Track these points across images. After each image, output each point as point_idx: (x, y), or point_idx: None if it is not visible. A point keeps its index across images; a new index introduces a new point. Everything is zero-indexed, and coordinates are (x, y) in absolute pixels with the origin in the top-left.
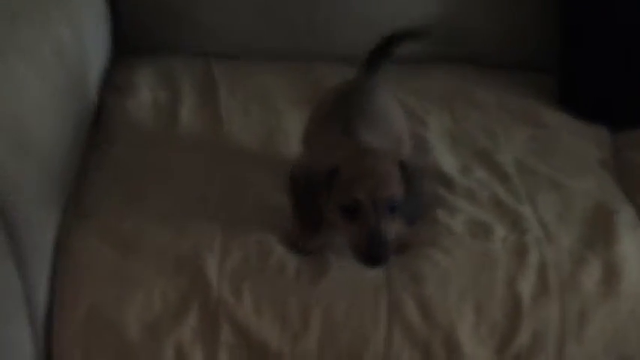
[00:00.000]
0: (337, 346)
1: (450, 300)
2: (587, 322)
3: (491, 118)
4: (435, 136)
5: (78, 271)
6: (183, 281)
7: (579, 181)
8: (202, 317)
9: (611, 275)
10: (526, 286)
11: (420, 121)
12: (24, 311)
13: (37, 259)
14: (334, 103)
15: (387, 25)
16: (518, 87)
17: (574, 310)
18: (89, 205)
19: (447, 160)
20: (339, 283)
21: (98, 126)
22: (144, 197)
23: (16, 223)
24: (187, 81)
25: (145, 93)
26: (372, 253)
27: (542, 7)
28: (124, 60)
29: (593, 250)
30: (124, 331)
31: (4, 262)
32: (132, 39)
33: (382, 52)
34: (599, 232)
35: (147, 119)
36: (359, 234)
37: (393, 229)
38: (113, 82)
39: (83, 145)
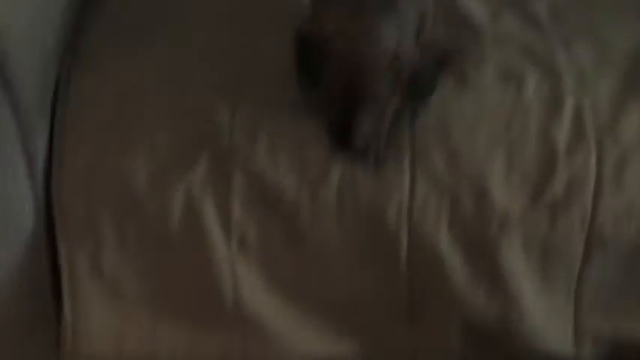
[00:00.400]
0: (357, 198)
1: (479, 149)
2: (627, 171)
3: None
4: None
5: (78, 119)
6: (190, 127)
7: (618, 30)
8: (213, 164)
9: None
10: (561, 134)
11: None
12: (22, 161)
13: (34, 106)
14: None
15: None
16: None
17: (612, 156)
18: (89, 53)
19: (476, 7)
20: None
21: None
22: (147, 46)
23: (10, 66)
24: None
25: None
26: (343, 139)
27: None
28: None
29: (632, 97)
30: (129, 180)
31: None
32: None
33: None
34: (638, 79)
35: None
36: (333, 112)
37: (372, 120)
38: None
39: None
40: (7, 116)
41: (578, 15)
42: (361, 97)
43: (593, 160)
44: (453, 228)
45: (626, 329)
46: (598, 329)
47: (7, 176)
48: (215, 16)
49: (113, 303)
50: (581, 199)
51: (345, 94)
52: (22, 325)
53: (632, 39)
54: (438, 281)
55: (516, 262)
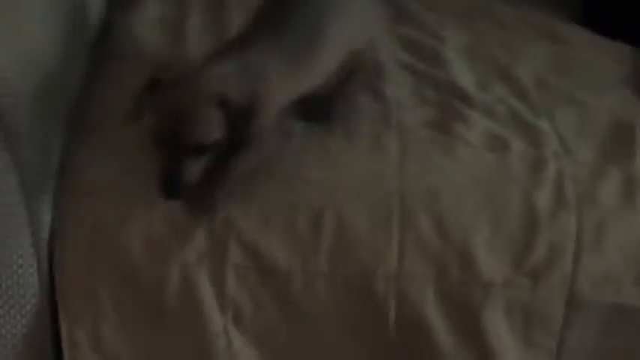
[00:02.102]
0: (348, 265)
1: (465, 214)
2: (605, 235)
3: (510, 33)
4: (452, 50)
5: (80, 188)
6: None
7: (599, 97)
8: (209, 236)
9: (630, 188)
10: (543, 200)
11: (435, 36)
12: (27, 232)
13: (40, 175)
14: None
15: None
16: (538, 2)
17: (591, 222)
18: (92, 121)
19: (464, 75)
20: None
21: (103, 41)
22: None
23: (18, 135)
24: None
25: (152, 8)
26: (165, 187)
27: None
28: None
29: (612, 164)
30: (126, 253)
31: (5, 176)
32: None
33: None
34: (618, 146)
35: (153, 35)
36: (159, 165)
37: (198, 168)
38: None
39: (86, 60)
40: (13, 184)
41: (562, 82)
42: (185, 145)
43: (573, 225)
44: (439, 294)
45: None
46: None
47: (12, 247)
48: None
49: None
50: (561, 264)
51: (170, 142)
52: None
53: (613, 106)
54: (425, 346)
55: (499, 326)
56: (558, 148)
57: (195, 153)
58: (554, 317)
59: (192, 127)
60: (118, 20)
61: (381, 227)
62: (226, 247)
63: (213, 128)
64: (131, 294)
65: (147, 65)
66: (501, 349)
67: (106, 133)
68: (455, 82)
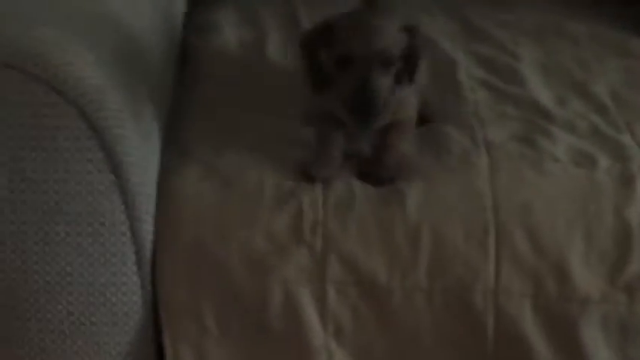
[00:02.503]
0: (446, 280)
1: (559, 229)
2: None
3: (584, 50)
4: (527, 67)
5: (179, 208)
6: (286, 217)
7: None
8: (308, 253)
9: None
10: (635, 214)
11: (510, 53)
12: (131, 250)
13: (141, 195)
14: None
15: None
16: (608, 18)
17: None
18: (186, 142)
19: (542, 92)
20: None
21: (185, 65)
22: (240, 133)
23: (121, 156)
24: (270, 18)
25: (229, 31)
26: (360, 100)
27: None
28: (202, 1)
29: None
30: (229, 269)
31: (110, 197)
32: None
33: None
34: None
35: (234, 57)
36: (349, 83)
37: (386, 83)
38: (195, 22)
39: (172, 84)
40: (117, 204)
41: (638, 97)
42: (374, 56)
43: None
44: (537, 309)
45: None
46: None
47: (117, 265)
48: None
49: None
50: None
51: (357, 60)
52: None
53: None
54: None
55: (597, 341)
56: None
57: (382, 66)
58: None
59: (381, 39)
60: (196, 44)
61: (477, 242)
62: (326, 262)
63: (398, 45)
64: (233, 309)
65: (233, 86)
66: None
67: (202, 152)
68: (534, 98)
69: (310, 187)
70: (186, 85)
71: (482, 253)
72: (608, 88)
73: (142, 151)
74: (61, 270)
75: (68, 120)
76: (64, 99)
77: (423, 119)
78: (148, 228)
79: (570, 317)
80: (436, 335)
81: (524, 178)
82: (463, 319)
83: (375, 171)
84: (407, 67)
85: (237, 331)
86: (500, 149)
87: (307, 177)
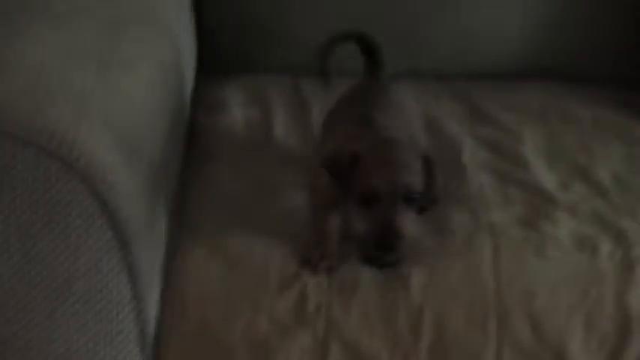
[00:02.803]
0: None
1: (560, 314)
2: None
3: (587, 134)
4: (531, 150)
5: (185, 288)
6: (290, 300)
7: None
8: (312, 337)
9: None
10: (635, 300)
11: (514, 137)
12: (135, 328)
13: (147, 273)
14: (352, 97)
15: (480, 39)
16: (611, 102)
17: None
18: (193, 222)
19: (545, 176)
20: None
21: (191, 144)
22: (246, 213)
23: (129, 234)
24: (277, 98)
25: (236, 110)
26: (383, 238)
27: (636, 21)
28: (210, 79)
29: None
30: (232, 351)
31: (117, 275)
32: (217, 57)
33: (370, 53)
34: None
35: (241, 136)
36: (373, 221)
37: (409, 221)
38: (202, 100)
39: (180, 163)
40: (124, 283)
41: None
42: (397, 193)
43: None
44: None
45: None
46: None
47: (121, 342)
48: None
49: None
50: None
51: (381, 196)
52: None
53: None
54: None
55: None
56: None
57: (406, 202)
58: None
59: (407, 175)
60: (204, 123)
61: (479, 327)
62: (328, 345)
63: (420, 178)
64: None
65: (240, 166)
66: None
67: (207, 233)
68: (537, 182)
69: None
70: (193, 164)
71: (483, 338)
72: (611, 173)
73: (151, 231)
74: (66, 347)
75: (80, 197)
76: (77, 176)
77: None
78: (152, 307)
79: None
80: None
81: (527, 263)
82: None
83: (380, 255)
84: (426, 196)
85: None
86: (504, 233)
87: (309, 268)
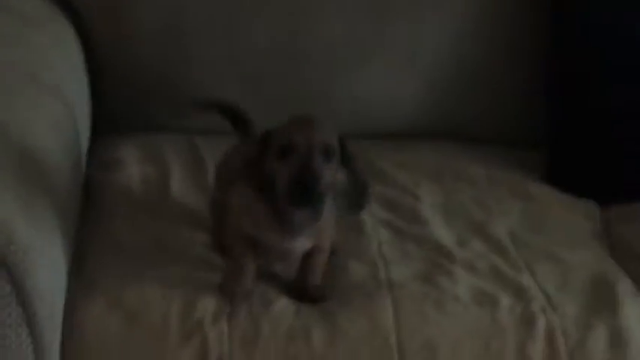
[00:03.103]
0: None
1: None
2: None
3: (482, 192)
4: (428, 208)
5: (85, 343)
6: (191, 352)
7: (574, 253)
8: None
9: (618, 341)
10: (536, 354)
11: (411, 194)
12: None
13: (48, 329)
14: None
15: (374, 103)
16: (505, 161)
17: None
18: (91, 276)
19: (443, 232)
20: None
21: (88, 201)
22: (144, 267)
23: (28, 289)
24: (174, 155)
25: (132, 168)
26: (303, 185)
27: (528, 85)
28: (105, 138)
29: (598, 317)
30: None
31: (17, 329)
32: (111, 117)
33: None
34: (601, 300)
35: (138, 192)
36: (292, 169)
37: (327, 171)
38: (97, 159)
39: (77, 220)
40: (24, 337)
41: (536, 239)
42: (315, 147)
43: None
44: None
45: None
46: None
47: None
48: (202, 238)
49: None
50: None
51: (304, 148)
52: None
53: (587, 260)
54: None
55: None
56: (544, 303)
57: (323, 154)
58: None
59: (323, 133)
60: (101, 180)
61: None
62: None
63: (336, 143)
64: None
65: (137, 222)
66: None
67: (105, 287)
68: (435, 239)
69: (216, 320)
70: (90, 221)
71: None
72: (508, 230)
73: (50, 285)
74: None
75: None
76: None
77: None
78: (54, 357)
79: None
80: None
81: (428, 317)
82: None
83: (307, 291)
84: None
85: None
86: (404, 288)
87: (226, 294)
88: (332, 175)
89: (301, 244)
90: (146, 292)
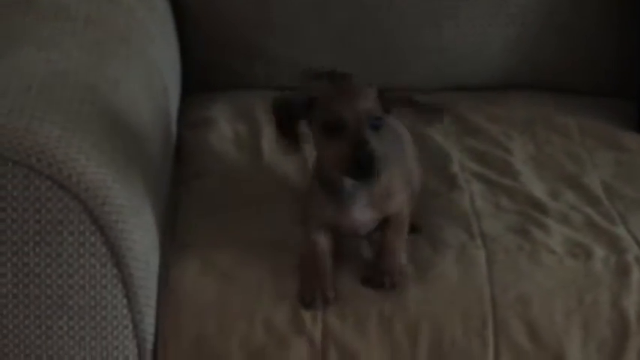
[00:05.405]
0: None
1: (557, 320)
2: None
3: (574, 143)
4: (520, 161)
5: (180, 303)
6: (286, 310)
7: None
8: (308, 345)
9: None
10: (632, 304)
11: (503, 147)
12: (133, 343)
13: (143, 289)
14: None
15: (462, 54)
16: (596, 112)
17: None
18: (185, 237)
19: (535, 184)
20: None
21: (180, 161)
22: (238, 227)
23: (123, 250)
24: (265, 113)
25: (223, 127)
26: (360, 161)
27: (622, 34)
28: (195, 97)
29: None
30: None
31: (112, 290)
32: (202, 75)
33: None
34: None
35: (230, 152)
36: (345, 147)
37: (380, 143)
38: (188, 118)
39: (170, 180)
40: (120, 298)
41: (630, 189)
42: (363, 119)
43: None
44: None
45: None
46: None
47: (119, 358)
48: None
49: None
50: None
51: (353, 121)
52: None
53: None
54: None
55: None
56: (639, 254)
57: (372, 127)
58: None
59: (366, 101)
60: (192, 140)
61: (476, 335)
62: (326, 355)
63: (378, 106)
64: None
65: (228, 182)
66: None
67: (201, 246)
68: (527, 191)
69: None
70: (182, 181)
71: (481, 346)
72: (600, 181)
73: (144, 246)
74: None
75: (72, 215)
76: (68, 194)
77: (415, 228)
78: (149, 321)
79: None
80: None
81: (522, 270)
82: None
83: (378, 277)
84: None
85: None
86: (497, 241)
87: (305, 307)
88: (382, 141)
89: (362, 214)
90: (240, 252)
